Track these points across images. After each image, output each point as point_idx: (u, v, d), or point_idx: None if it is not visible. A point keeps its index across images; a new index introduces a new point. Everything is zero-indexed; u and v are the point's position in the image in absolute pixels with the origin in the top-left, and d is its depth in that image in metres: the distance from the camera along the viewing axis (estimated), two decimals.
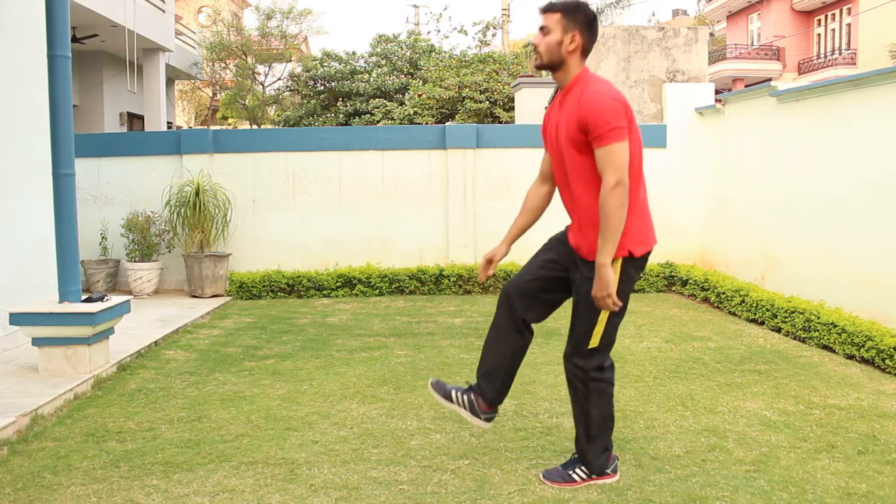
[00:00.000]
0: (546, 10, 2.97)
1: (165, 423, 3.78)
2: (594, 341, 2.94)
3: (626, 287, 2.95)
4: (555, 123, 2.98)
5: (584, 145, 2.84)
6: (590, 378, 2.98)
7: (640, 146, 2.95)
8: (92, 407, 4.05)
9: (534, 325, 3.17)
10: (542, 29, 2.96)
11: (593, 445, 3.02)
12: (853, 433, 3.59)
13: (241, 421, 3.81)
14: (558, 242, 3.12)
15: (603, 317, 2.91)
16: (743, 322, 6.33)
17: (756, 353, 5.19)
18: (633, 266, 2.94)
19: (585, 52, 2.94)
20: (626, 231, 2.86)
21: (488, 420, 3.16)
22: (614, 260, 2.87)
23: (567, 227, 3.12)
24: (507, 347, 3.11)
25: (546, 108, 3.13)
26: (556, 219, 3.39)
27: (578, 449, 3.06)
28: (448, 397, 3.18)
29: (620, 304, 2.86)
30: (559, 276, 3.06)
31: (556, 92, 3.05)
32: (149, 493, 2.95)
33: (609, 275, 2.79)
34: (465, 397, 3.15)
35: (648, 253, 2.99)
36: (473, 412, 3.15)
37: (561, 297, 3.11)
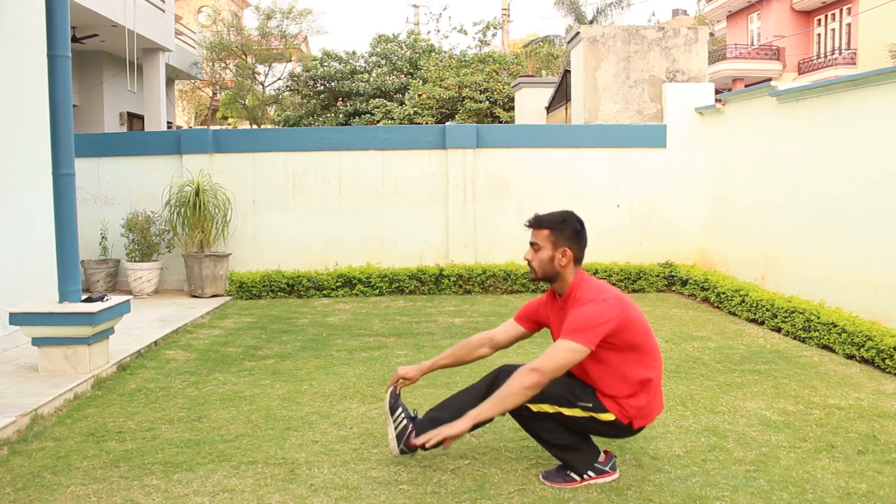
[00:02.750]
0: (534, 226, 3.07)
1: (165, 423, 3.78)
2: (535, 408, 2.97)
3: (600, 431, 3.02)
4: (557, 325, 3.08)
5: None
6: (522, 413, 3.02)
7: (648, 335, 3.00)
8: (92, 407, 4.05)
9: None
10: (532, 245, 3.06)
11: (565, 452, 3.04)
12: (853, 433, 3.59)
13: (241, 421, 3.81)
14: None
15: (558, 410, 2.96)
16: (743, 322, 6.33)
17: (756, 353, 5.19)
18: (622, 430, 3.01)
19: (578, 261, 3.04)
20: (636, 406, 2.94)
21: (402, 453, 3.19)
22: (608, 413, 2.94)
23: None
24: (471, 397, 3.13)
25: (542, 298, 3.25)
26: None
27: (557, 458, 3.08)
28: (393, 410, 3.20)
29: (432, 441, 2.87)
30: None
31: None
32: (149, 493, 2.95)
33: (464, 427, 2.84)
34: (405, 422, 3.17)
35: (647, 424, 3.06)
36: (399, 438, 3.17)
37: None
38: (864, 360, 4.93)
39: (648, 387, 2.96)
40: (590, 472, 3.02)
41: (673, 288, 7.99)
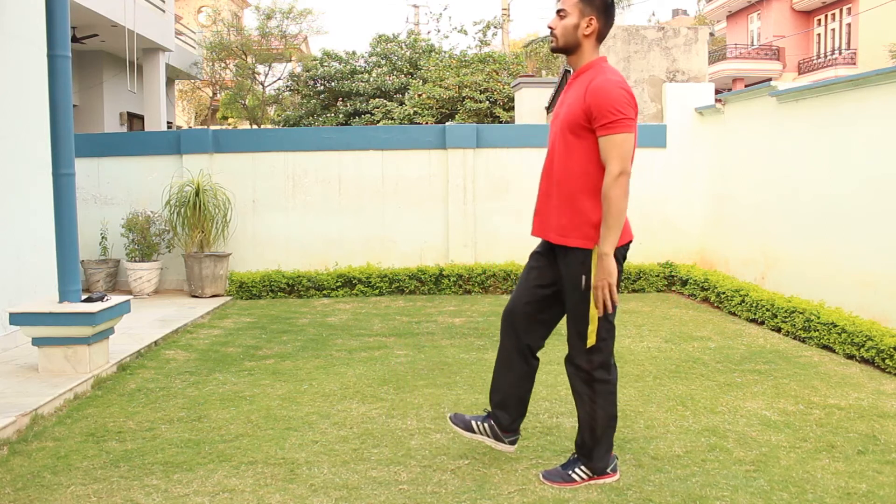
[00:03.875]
0: None
1: (165, 423, 3.78)
2: (591, 339, 2.92)
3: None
4: (560, 102, 3.01)
5: (582, 130, 2.85)
6: (594, 379, 2.97)
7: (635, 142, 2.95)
8: (92, 407, 4.05)
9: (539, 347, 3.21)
10: (559, 12, 2.96)
11: (599, 446, 3.01)
12: (853, 433, 3.59)
13: (241, 421, 3.81)
14: (538, 256, 3.13)
15: (594, 313, 2.89)
16: (743, 322, 6.33)
17: (756, 353, 5.19)
18: (618, 259, 2.93)
19: (601, 36, 2.95)
20: (599, 218, 2.86)
21: (512, 443, 3.20)
22: (592, 251, 2.87)
23: (533, 224, 3.12)
24: (514, 376, 3.14)
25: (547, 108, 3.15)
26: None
27: (584, 450, 3.05)
28: (469, 429, 3.21)
29: (616, 297, 2.84)
30: (550, 293, 3.08)
31: (565, 78, 3.07)
32: (149, 493, 2.95)
33: (611, 264, 2.80)
34: (486, 425, 3.18)
35: (627, 245, 2.98)
36: (497, 438, 3.18)
37: (557, 313, 3.13)
38: (864, 360, 4.93)
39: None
40: (590, 473, 3.01)
41: (673, 288, 7.99)
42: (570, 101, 2.92)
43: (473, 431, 3.20)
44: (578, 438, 3.08)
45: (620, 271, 2.96)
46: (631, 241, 3.00)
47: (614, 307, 2.92)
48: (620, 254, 2.94)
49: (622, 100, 2.78)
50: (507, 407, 3.16)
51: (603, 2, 2.92)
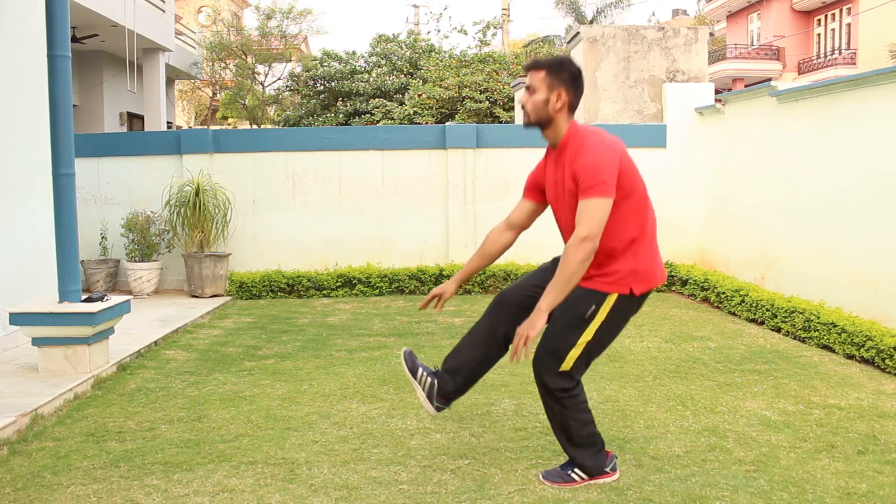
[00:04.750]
0: (531, 68, 2.99)
1: (165, 423, 3.78)
2: (567, 364, 2.90)
3: (617, 325, 2.95)
4: (553, 181, 3.01)
5: None
6: (562, 396, 2.95)
7: (641, 180, 2.97)
8: (92, 407, 4.05)
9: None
10: (527, 88, 2.98)
11: (582, 451, 3.00)
12: (853, 433, 3.59)
13: (241, 421, 3.81)
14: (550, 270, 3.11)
15: (583, 340, 2.88)
16: (743, 322, 6.33)
17: (756, 353, 5.19)
18: (630, 303, 2.94)
19: (573, 108, 2.96)
20: (630, 269, 2.87)
21: (438, 409, 3.15)
22: (609, 295, 2.88)
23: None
24: (479, 353, 3.11)
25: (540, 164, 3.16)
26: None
27: (569, 455, 3.05)
28: (413, 373, 3.15)
29: (529, 352, 2.81)
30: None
31: (548, 149, 3.06)
32: (149, 493, 2.95)
33: (541, 320, 2.77)
34: (429, 380, 3.13)
35: (650, 290, 2.98)
36: (429, 396, 3.13)
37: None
38: (864, 360, 4.93)
39: (642, 241, 2.90)
40: (592, 474, 3.01)
41: (673, 288, 7.99)
42: (565, 178, 2.91)
43: (415, 377, 3.15)
44: (563, 447, 3.07)
45: (629, 316, 2.98)
46: (653, 288, 2.99)
47: (603, 347, 2.92)
48: (639, 302, 2.96)
49: (599, 165, 2.78)
50: (456, 376, 3.11)
51: (570, 74, 2.93)
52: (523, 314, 3.01)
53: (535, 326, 2.76)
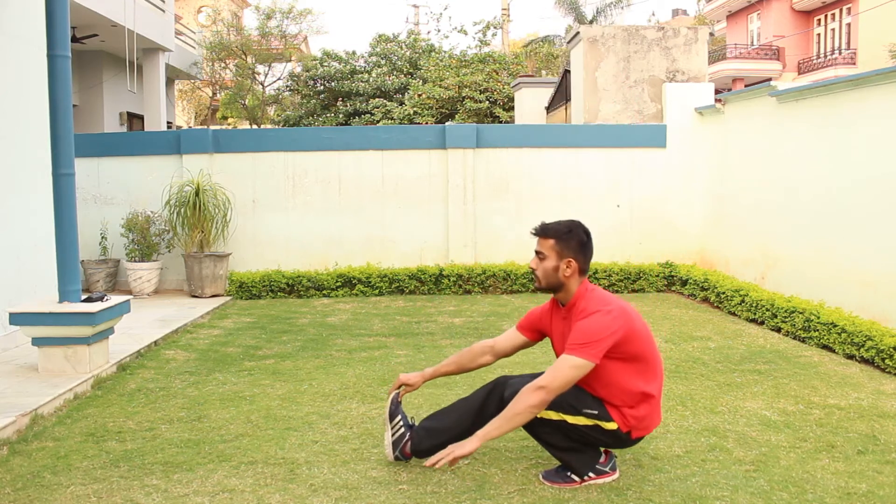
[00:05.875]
0: (540, 234, 3.04)
1: (165, 423, 3.78)
2: (548, 416, 2.95)
3: (595, 438, 2.99)
4: (560, 335, 3.07)
5: None
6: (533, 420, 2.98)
7: (653, 348, 2.99)
8: (92, 407, 4.05)
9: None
10: (538, 254, 3.03)
11: (567, 453, 3.02)
12: (853, 433, 3.59)
13: (241, 421, 3.81)
14: None
15: (561, 418, 2.93)
16: (743, 322, 6.33)
17: (756, 353, 5.19)
18: (622, 440, 2.99)
19: (583, 272, 3.01)
20: (637, 416, 2.93)
21: (397, 459, 3.19)
22: (612, 421, 2.93)
23: None
24: (465, 424, 3.11)
25: (547, 310, 3.21)
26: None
27: (557, 459, 3.07)
28: (392, 416, 3.20)
29: (442, 462, 2.83)
30: None
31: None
32: (149, 493, 2.95)
33: (473, 446, 2.81)
34: (402, 430, 3.18)
35: (643, 436, 3.05)
36: (395, 445, 3.18)
37: None
38: (864, 360, 4.93)
39: (650, 400, 2.96)
40: (590, 473, 3.02)
41: (673, 288, 7.99)
42: (569, 335, 2.95)
43: (391, 421, 3.18)
44: (551, 454, 3.10)
45: (612, 446, 3.04)
46: (642, 437, 3.04)
47: (575, 437, 2.98)
48: (631, 442, 3.01)
49: (593, 330, 2.83)
50: (435, 438, 3.13)
51: (579, 242, 2.99)
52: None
53: (464, 448, 2.82)
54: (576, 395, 2.96)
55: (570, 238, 2.99)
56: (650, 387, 2.95)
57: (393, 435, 3.19)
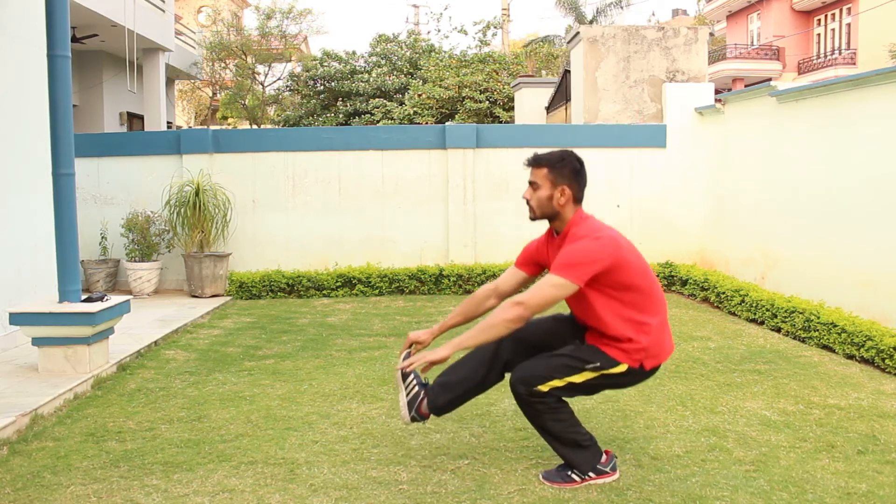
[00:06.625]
0: (532, 164, 3.03)
1: (165, 423, 3.78)
2: (544, 387, 2.93)
3: (615, 385, 3.00)
4: (551, 262, 3.05)
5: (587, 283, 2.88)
6: (532, 401, 2.97)
7: (646, 276, 2.96)
8: (92, 407, 4.05)
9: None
10: (531, 184, 3.02)
11: (574, 453, 3.01)
12: (853, 433, 3.59)
13: (241, 421, 3.81)
14: (566, 321, 3.18)
15: (571, 380, 2.92)
16: (743, 322, 6.33)
17: (756, 353, 5.19)
18: (639, 375, 2.98)
19: (577, 199, 3.00)
20: (641, 346, 2.90)
21: (413, 420, 3.13)
22: (619, 364, 2.91)
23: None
24: (480, 374, 3.12)
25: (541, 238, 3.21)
26: None
27: (560, 455, 3.06)
28: (405, 377, 3.14)
29: (414, 365, 2.89)
30: (552, 344, 3.10)
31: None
32: (149, 493, 2.95)
33: (445, 353, 2.84)
34: (416, 389, 3.12)
35: (660, 364, 3.02)
36: (410, 404, 3.11)
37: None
38: (864, 360, 4.93)
39: (645, 328, 2.90)
40: (590, 473, 3.01)
41: (673, 288, 7.99)
42: None
43: (403, 381, 3.13)
44: (554, 450, 3.09)
45: (628, 385, 3.05)
46: (662, 362, 3.02)
47: (587, 394, 3.00)
48: (648, 374, 2.99)
49: (578, 252, 2.83)
50: (450, 391, 3.11)
51: (572, 170, 2.98)
52: (530, 351, 3.07)
53: (436, 354, 2.84)
54: (574, 354, 2.95)
55: (563, 166, 2.97)
56: (645, 316, 2.91)
57: (407, 395, 3.11)
